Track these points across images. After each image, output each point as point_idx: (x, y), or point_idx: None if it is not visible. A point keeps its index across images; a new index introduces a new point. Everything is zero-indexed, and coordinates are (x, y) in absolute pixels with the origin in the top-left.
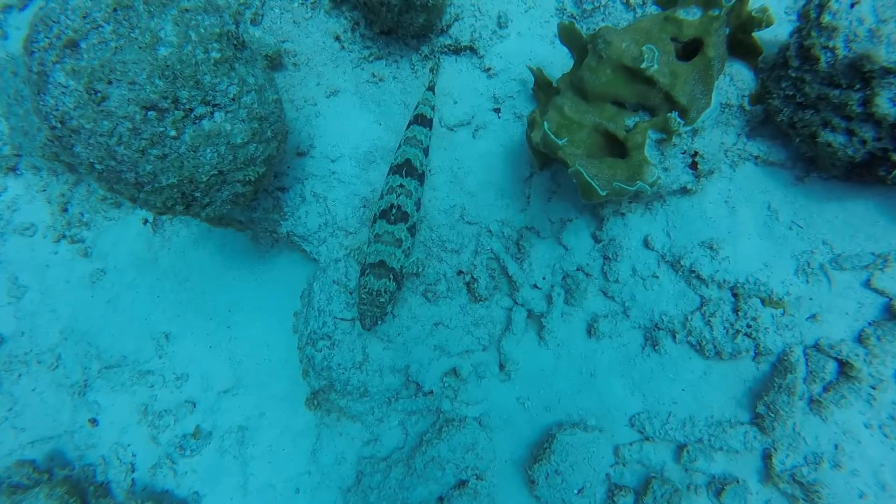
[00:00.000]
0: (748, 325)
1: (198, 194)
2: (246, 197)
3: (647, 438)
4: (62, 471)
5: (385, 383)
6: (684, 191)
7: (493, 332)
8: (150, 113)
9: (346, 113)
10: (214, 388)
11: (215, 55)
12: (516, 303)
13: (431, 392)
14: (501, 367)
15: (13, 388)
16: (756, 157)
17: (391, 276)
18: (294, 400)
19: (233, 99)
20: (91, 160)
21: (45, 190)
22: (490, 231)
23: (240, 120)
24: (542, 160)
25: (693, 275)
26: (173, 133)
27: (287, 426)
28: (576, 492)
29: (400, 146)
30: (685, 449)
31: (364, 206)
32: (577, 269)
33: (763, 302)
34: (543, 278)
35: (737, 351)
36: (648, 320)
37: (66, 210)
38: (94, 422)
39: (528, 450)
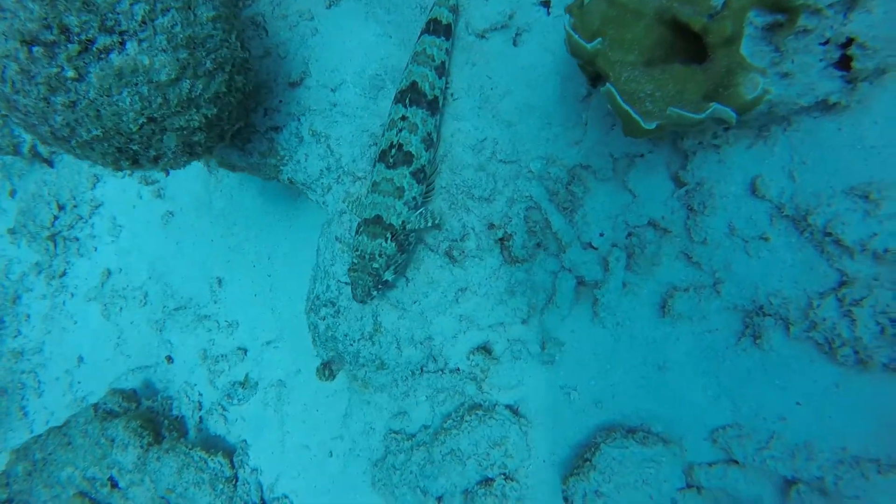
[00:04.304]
0: None
1: (136, 147)
2: (206, 145)
3: (733, 461)
4: (147, 401)
5: (404, 356)
6: (825, 106)
7: (534, 301)
8: (34, 48)
9: (349, 26)
10: (260, 339)
11: None
12: (563, 267)
13: (458, 369)
14: (543, 346)
15: (118, 318)
16: None
17: (388, 236)
18: None
19: (142, 22)
20: (2, 111)
21: None
22: (531, 171)
23: (159, 49)
24: (591, 73)
25: (829, 238)
26: (72, 73)
27: (320, 386)
28: None
29: (407, 65)
30: (795, 487)
31: (374, 144)
32: (649, 224)
33: None
34: (601, 235)
35: None
36: (749, 301)
37: None
38: (170, 359)
39: (574, 450)
